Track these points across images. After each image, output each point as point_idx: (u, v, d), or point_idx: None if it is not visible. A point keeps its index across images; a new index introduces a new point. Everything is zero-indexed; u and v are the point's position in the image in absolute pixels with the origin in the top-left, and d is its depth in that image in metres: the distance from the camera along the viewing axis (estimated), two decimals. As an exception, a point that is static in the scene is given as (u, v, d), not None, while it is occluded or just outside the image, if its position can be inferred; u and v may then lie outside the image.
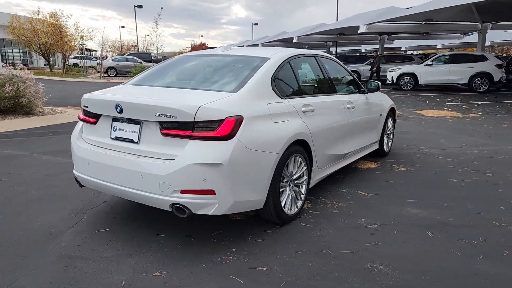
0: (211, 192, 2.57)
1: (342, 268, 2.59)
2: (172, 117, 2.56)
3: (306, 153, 3.41)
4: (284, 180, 3.16)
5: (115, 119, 2.87)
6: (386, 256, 2.74)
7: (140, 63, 25.96)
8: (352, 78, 4.72)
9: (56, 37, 26.69)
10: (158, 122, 2.63)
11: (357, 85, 4.74)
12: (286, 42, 31.93)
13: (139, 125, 2.75)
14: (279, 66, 3.33)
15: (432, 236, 3.06)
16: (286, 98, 3.24)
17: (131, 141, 2.77)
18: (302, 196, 3.42)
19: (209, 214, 2.63)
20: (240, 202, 2.73)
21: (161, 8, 37.27)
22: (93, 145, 2.99)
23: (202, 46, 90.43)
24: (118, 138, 2.85)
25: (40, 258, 2.65)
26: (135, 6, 37.60)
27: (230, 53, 3.67)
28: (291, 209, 3.26)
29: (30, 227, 3.14)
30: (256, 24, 69.17)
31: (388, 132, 5.61)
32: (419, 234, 3.11)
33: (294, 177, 3.30)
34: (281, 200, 3.09)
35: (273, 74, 3.21)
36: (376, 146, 5.25)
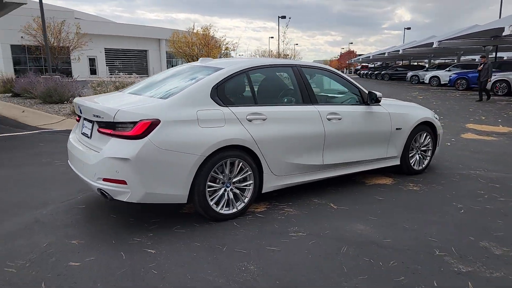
0: (123, 182, 3.13)
1: (216, 264, 2.82)
2: (100, 117, 3.24)
3: (254, 158, 3.65)
4: (217, 181, 3.48)
5: (84, 118, 3.69)
6: (270, 261, 2.85)
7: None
8: (350, 89, 4.60)
9: (206, 49, 30.52)
10: (95, 121, 3.33)
11: (359, 96, 4.59)
12: (427, 48, 29.44)
13: (92, 124, 3.50)
14: (227, 77, 3.66)
15: (341, 252, 2.98)
16: (228, 106, 3.56)
17: (87, 135, 3.55)
18: (246, 199, 3.67)
19: (125, 200, 3.19)
20: (154, 194, 3.21)
21: (289, 18, 38.52)
22: (73, 139, 3.87)
23: (350, 54, 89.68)
24: (83, 133, 3.67)
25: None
26: (279, 17, 39.96)
27: (199, 64, 4.14)
28: (227, 208, 3.55)
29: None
30: (408, 28, 64.59)
31: (422, 149, 5.16)
32: (330, 248, 3.06)
33: (234, 179, 3.58)
34: (209, 199, 3.43)
35: (216, 84, 3.58)
36: (395, 162, 4.93)
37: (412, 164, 5.09)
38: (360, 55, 73.35)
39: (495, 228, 3.45)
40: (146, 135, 3.13)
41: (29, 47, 30.84)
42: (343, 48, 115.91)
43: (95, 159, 3.23)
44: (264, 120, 3.71)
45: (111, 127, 3.20)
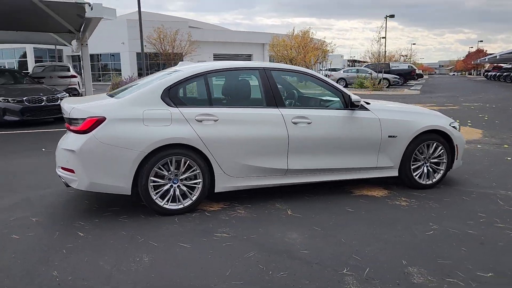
0: (72, 171, 3.55)
1: (120, 253, 3.03)
2: (64, 114, 3.71)
3: (205, 158, 3.75)
4: (164, 177, 3.68)
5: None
6: (169, 255, 2.95)
7: (370, 73, 26.42)
8: (332, 92, 4.33)
9: (303, 52, 30.67)
10: (65, 117, 3.81)
11: (342, 101, 4.29)
12: None
13: None
14: (180, 80, 3.83)
15: (243, 257, 2.93)
16: (178, 107, 3.73)
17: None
18: (194, 197, 3.79)
19: (75, 187, 3.60)
20: (99, 184, 3.56)
21: (393, 16, 34.17)
22: None
23: (479, 54, 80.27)
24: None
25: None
26: (386, 16, 37.90)
27: (173, 68, 4.35)
28: (174, 204, 3.73)
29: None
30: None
31: (433, 161, 4.58)
32: (237, 252, 3.01)
33: (182, 177, 3.74)
34: (153, 193, 3.65)
35: (169, 86, 3.77)
36: (392, 173, 4.48)
37: (416, 177, 4.55)
38: (490, 54, 65.06)
39: (449, 256, 2.95)
40: (91, 131, 3.50)
41: (149, 53, 34.90)
42: (471, 47, 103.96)
43: (57, 150, 3.73)
44: (216, 121, 3.78)
45: (69, 123, 3.66)
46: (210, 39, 42.84)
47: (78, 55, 22.42)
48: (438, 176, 4.65)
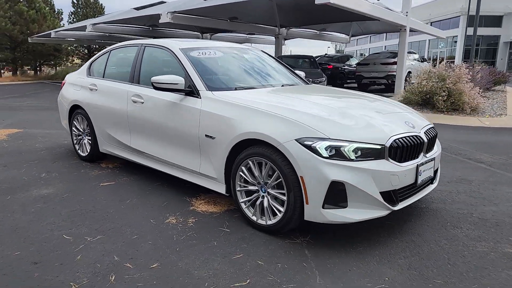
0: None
1: None
2: None
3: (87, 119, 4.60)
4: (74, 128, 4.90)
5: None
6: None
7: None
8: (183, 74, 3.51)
9: None
10: None
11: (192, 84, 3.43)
12: None
13: None
14: (99, 55, 4.70)
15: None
16: (88, 78, 4.70)
17: None
18: (88, 147, 4.72)
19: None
20: None
21: None
22: None
23: None
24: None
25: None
26: None
27: None
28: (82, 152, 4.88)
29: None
30: None
31: (273, 191, 2.90)
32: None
33: (80, 128, 4.81)
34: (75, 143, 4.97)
35: (92, 61, 4.78)
36: (220, 188, 3.23)
37: (244, 208, 3.02)
38: None
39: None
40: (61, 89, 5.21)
41: None
42: None
43: None
44: (96, 90, 4.45)
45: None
46: None
47: None
48: (275, 219, 2.83)
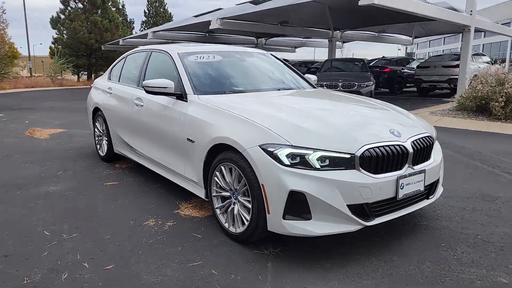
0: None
1: None
2: None
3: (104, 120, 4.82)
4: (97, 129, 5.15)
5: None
6: (28, 169, 4.72)
7: None
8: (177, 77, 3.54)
9: None
10: None
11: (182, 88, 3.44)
12: None
13: None
14: (118, 60, 4.89)
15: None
16: (108, 82, 4.92)
17: None
18: (105, 148, 4.94)
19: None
20: None
21: None
22: None
23: None
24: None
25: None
26: None
27: None
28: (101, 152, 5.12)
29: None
30: None
31: (242, 199, 2.81)
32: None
33: (100, 129, 5.03)
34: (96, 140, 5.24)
35: (113, 66, 4.99)
36: (201, 193, 3.19)
37: (219, 214, 2.95)
38: None
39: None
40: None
41: None
42: None
43: None
44: (110, 93, 4.64)
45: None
46: None
47: None
48: (243, 227, 2.72)
